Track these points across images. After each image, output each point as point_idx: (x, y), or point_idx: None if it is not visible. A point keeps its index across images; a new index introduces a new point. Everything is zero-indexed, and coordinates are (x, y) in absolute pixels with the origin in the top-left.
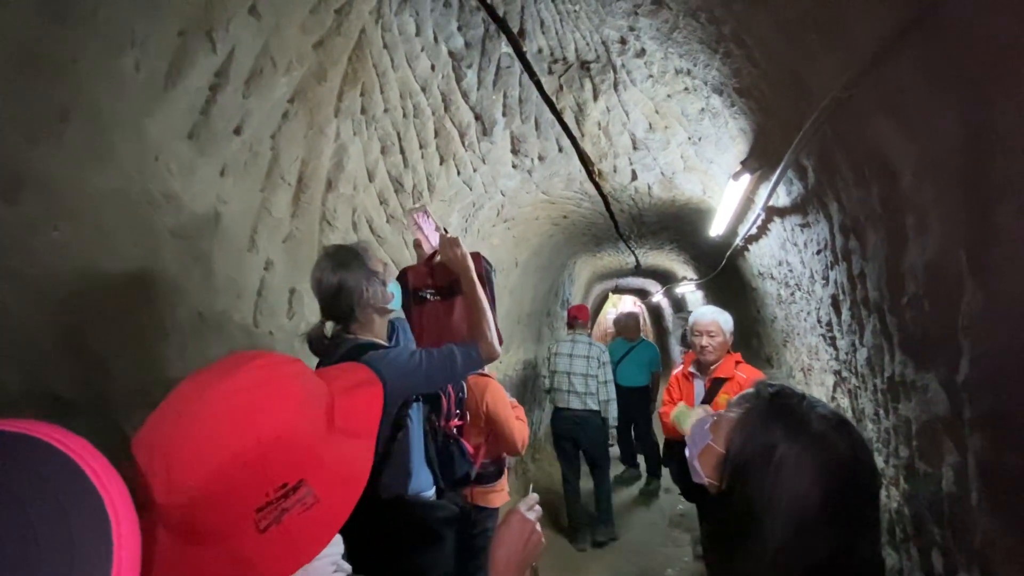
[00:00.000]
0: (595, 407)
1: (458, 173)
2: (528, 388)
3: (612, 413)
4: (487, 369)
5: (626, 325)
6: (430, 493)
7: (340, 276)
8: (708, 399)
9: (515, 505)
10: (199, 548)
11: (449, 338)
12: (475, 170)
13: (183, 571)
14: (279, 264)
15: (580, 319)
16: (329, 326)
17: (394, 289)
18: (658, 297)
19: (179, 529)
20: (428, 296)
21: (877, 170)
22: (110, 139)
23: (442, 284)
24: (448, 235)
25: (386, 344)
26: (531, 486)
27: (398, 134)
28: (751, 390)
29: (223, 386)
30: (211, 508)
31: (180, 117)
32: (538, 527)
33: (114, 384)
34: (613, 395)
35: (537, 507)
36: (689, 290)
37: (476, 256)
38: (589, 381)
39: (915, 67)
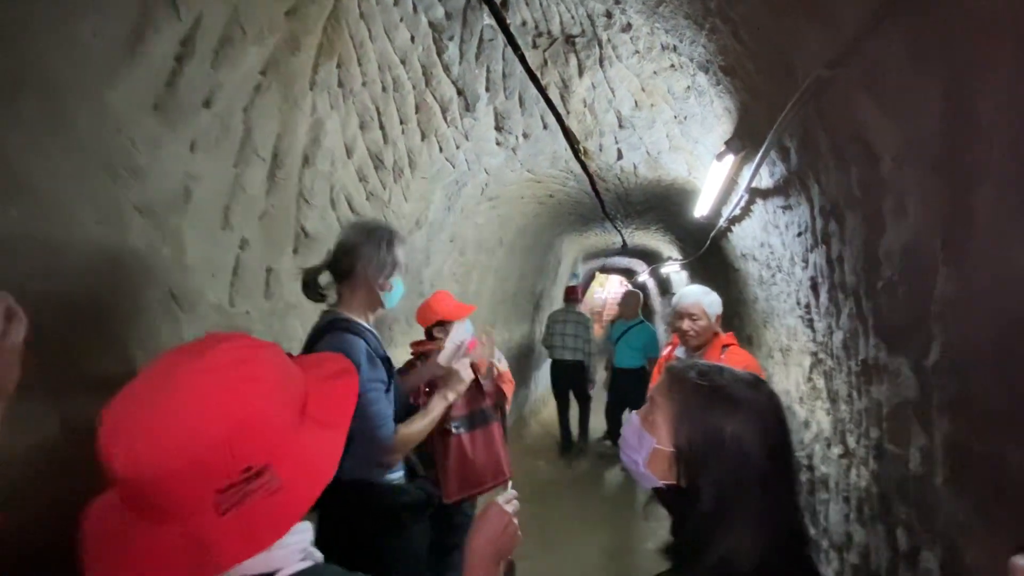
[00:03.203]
0: (580, 359)
1: (440, 150)
2: (513, 367)
3: (591, 362)
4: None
5: (626, 303)
6: (398, 475)
7: (362, 239)
8: None
9: (494, 498)
10: (157, 526)
11: (471, 473)
12: (458, 147)
13: (139, 549)
14: (255, 242)
15: (573, 296)
16: (326, 279)
17: (398, 289)
18: (644, 277)
19: (138, 506)
20: (452, 429)
21: (857, 152)
22: (67, 110)
23: (464, 414)
24: (459, 358)
25: (363, 325)
26: (509, 482)
27: (377, 109)
28: (669, 378)
29: (196, 364)
30: (172, 485)
31: (144, 88)
32: (515, 521)
33: (75, 370)
34: (592, 350)
35: (515, 502)
36: (674, 270)
37: (499, 389)
38: (577, 340)
39: (898, 46)
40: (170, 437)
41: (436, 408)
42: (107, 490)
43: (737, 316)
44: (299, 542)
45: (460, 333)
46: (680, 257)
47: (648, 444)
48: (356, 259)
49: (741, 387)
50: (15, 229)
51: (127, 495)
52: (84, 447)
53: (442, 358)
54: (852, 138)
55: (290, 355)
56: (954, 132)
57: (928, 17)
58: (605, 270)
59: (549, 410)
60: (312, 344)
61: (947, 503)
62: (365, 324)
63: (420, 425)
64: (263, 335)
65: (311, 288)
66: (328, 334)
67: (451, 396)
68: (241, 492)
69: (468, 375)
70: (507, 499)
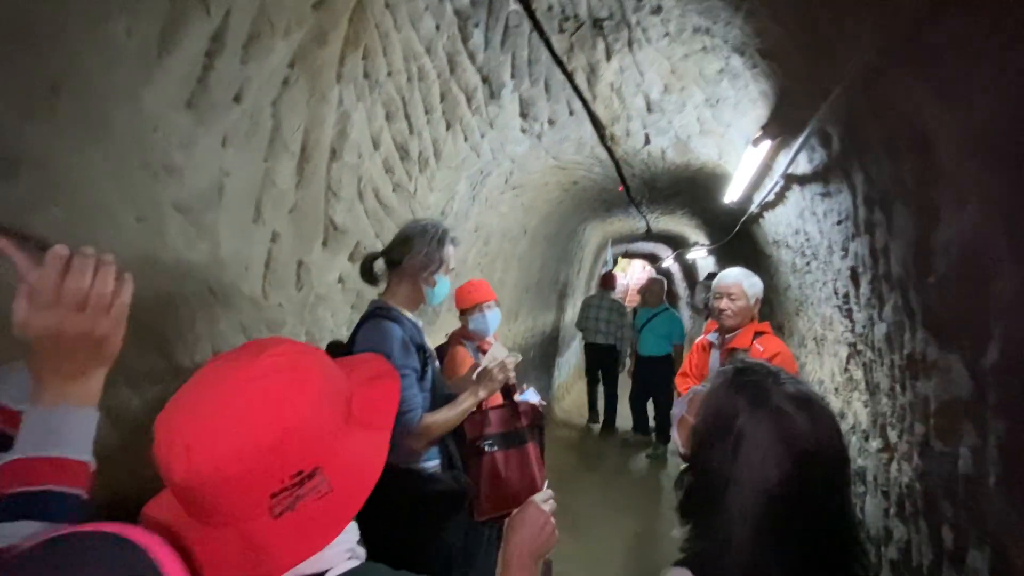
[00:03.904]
0: (612, 343)
1: (465, 139)
2: (533, 356)
3: (624, 346)
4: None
5: (649, 291)
6: (433, 464)
7: (417, 233)
8: None
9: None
10: (213, 530)
11: (503, 493)
12: (482, 135)
13: (196, 551)
14: (285, 236)
15: (609, 283)
16: (380, 265)
17: (443, 286)
18: (668, 262)
19: (195, 510)
20: (486, 447)
21: (911, 142)
22: (105, 111)
23: (498, 432)
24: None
25: (403, 313)
26: (546, 482)
27: (402, 99)
28: (725, 366)
29: (246, 371)
30: (228, 491)
31: (177, 86)
32: (552, 520)
33: (118, 364)
34: (627, 335)
35: (551, 501)
36: (700, 255)
37: (535, 410)
38: (610, 325)
39: (958, 35)
40: (225, 444)
41: (465, 402)
42: (161, 491)
43: (767, 303)
44: (346, 541)
45: (498, 351)
46: (707, 242)
47: (681, 412)
48: (407, 250)
49: (780, 395)
50: (58, 229)
51: (184, 500)
52: (127, 437)
53: (477, 377)
54: (905, 127)
55: (338, 344)
56: (1021, 123)
57: (991, 5)
58: (628, 255)
59: (572, 396)
60: (356, 329)
61: (999, 505)
62: (406, 313)
63: (445, 415)
64: (295, 326)
65: (367, 272)
66: (368, 321)
67: (482, 393)
68: (293, 496)
69: (503, 377)
70: (544, 498)
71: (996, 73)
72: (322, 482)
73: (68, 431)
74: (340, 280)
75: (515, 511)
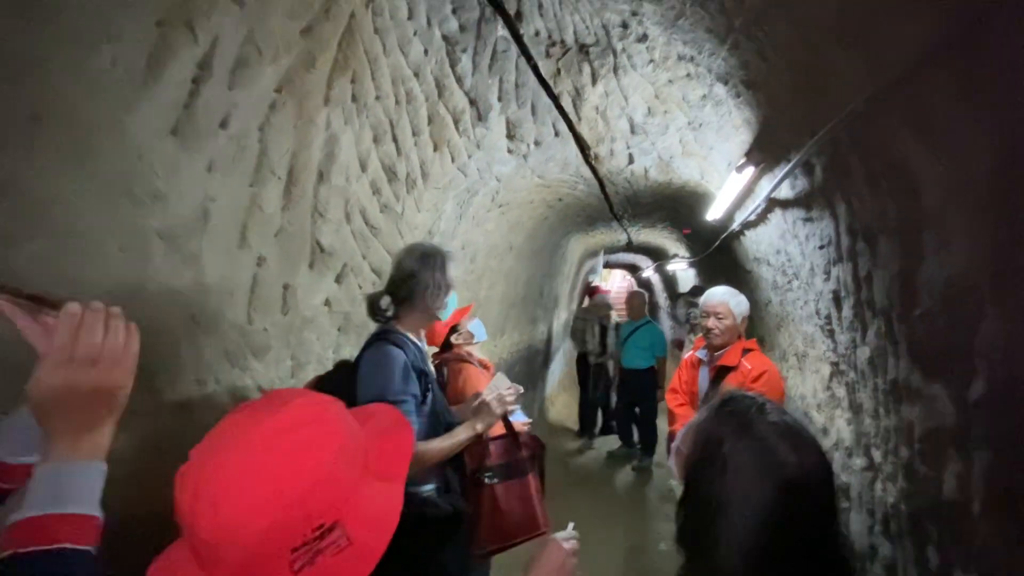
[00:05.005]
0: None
1: (452, 160)
2: (518, 372)
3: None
4: (482, 353)
5: (630, 304)
6: (429, 488)
7: (418, 266)
8: (712, 389)
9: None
10: None
11: (502, 525)
12: (469, 156)
13: None
14: (271, 260)
15: (591, 296)
16: (387, 300)
17: (451, 304)
18: (648, 272)
19: (214, 564)
20: (485, 479)
21: (896, 182)
22: (89, 140)
23: (498, 464)
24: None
25: (408, 339)
26: (572, 524)
27: (390, 122)
28: (713, 398)
29: (269, 424)
30: (251, 545)
31: (162, 113)
32: (573, 560)
33: None
34: (610, 347)
35: (574, 541)
36: (681, 268)
37: (536, 441)
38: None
39: (949, 86)
40: (252, 497)
41: (460, 435)
42: (165, 549)
43: (747, 317)
44: None
45: (500, 381)
46: (687, 255)
47: (678, 440)
48: (414, 286)
49: (764, 424)
50: (41, 260)
51: (204, 554)
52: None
53: (475, 411)
54: (890, 167)
55: (346, 363)
56: (1007, 174)
57: (984, 61)
58: (609, 266)
59: (557, 408)
60: (361, 353)
61: (983, 531)
62: (412, 338)
63: (438, 446)
64: (280, 350)
65: (375, 311)
66: (373, 345)
67: (479, 427)
68: (313, 550)
69: (501, 411)
70: (566, 536)
71: (984, 123)
72: (341, 536)
73: (80, 486)
74: (327, 303)
75: (536, 548)
